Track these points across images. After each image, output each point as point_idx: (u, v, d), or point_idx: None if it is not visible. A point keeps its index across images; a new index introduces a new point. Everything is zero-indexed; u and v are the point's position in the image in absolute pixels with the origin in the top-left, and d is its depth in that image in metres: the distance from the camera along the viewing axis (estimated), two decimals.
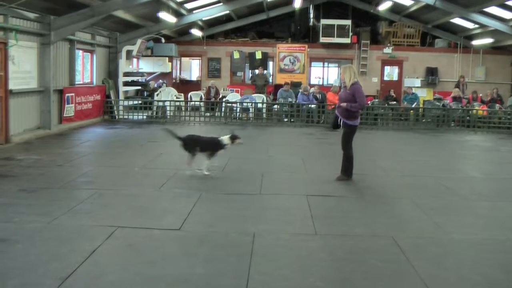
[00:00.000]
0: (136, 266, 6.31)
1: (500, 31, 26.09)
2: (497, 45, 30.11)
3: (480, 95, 26.82)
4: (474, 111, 24.34)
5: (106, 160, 14.00)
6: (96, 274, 6.01)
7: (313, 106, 23.84)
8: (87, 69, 22.97)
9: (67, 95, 19.69)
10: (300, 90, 25.00)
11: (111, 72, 24.36)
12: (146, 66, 28.52)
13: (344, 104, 11.41)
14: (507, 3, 22.57)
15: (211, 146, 12.07)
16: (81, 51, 22.01)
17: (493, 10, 24.61)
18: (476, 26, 28.45)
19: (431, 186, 11.49)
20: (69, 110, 19.95)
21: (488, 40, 29.07)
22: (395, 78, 32.94)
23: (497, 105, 25.57)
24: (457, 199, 10.37)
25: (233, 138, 12.14)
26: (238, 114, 24.60)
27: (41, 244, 7.00)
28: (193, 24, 29.08)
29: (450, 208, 9.63)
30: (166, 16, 23.20)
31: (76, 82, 21.16)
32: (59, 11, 18.05)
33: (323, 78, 33.07)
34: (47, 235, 7.36)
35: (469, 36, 30.87)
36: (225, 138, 12.10)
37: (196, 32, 30.54)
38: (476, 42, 30.41)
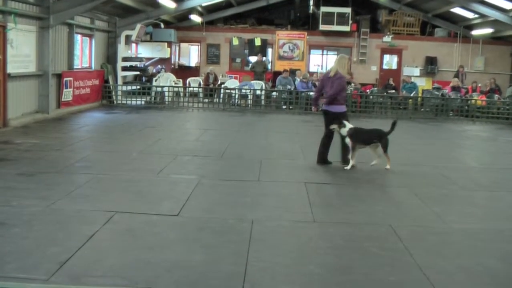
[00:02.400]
0: (134, 251, 6.30)
1: (500, 21, 26.05)
2: (497, 35, 30.08)
3: (479, 85, 26.78)
4: (473, 101, 24.33)
5: (104, 145, 13.99)
6: (94, 259, 6.00)
7: (312, 93, 23.81)
8: (85, 53, 22.90)
9: (65, 79, 19.63)
10: (299, 78, 24.98)
11: (109, 57, 24.31)
12: (145, 51, 28.42)
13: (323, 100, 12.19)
14: None
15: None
16: (80, 36, 21.93)
17: (493, 0, 24.55)
18: (476, 16, 28.38)
19: (430, 175, 11.50)
20: (68, 94, 19.89)
21: (488, 30, 29.03)
22: (394, 66, 32.88)
23: (496, 95, 25.56)
24: (455, 189, 10.37)
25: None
26: (236, 100, 24.56)
27: (39, 228, 6.99)
28: (192, 10, 28.95)
29: (448, 198, 9.64)
30: (165, 1, 23.13)
31: (75, 67, 21.11)
32: None
33: (322, 66, 32.97)
34: (45, 219, 7.35)
35: (469, 26, 30.81)
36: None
37: (195, 18, 30.42)
38: (476, 32, 30.38)
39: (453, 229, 7.74)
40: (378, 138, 11.80)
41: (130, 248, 6.42)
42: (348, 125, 11.74)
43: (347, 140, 11.71)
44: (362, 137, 11.82)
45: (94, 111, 21.03)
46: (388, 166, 11.68)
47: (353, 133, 11.71)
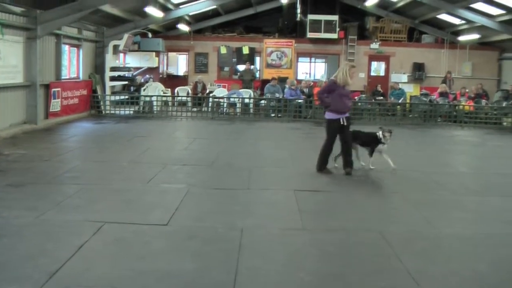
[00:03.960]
0: (124, 261, 6.29)
1: (487, 27, 26.22)
2: (484, 40, 30.26)
3: (467, 90, 26.90)
4: (461, 106, 24.43)
5: (93, 155, 13.96)
6: (84, 269, 5.99)
7: (300, 101, 23.86)
8: (73, 63, 22.85)
9: (53, 90, 19.58)
10: (287, 85, 25.04)
11: (97, 67, 24.24)
12: (133, 61, 28.40)
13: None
14: None
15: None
16: (67, 46, 21.89)
17: (479, 6, 24.71)
18: (463, 22, 28.55)
19: (420, 180, 11.54)
20: (56, 105, 19.85)
21: (474, 36, 29.18)
22: (382, 73, 32.99)
23: (483, 100, 25.68)
24: (445, 194, 10.40)
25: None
26: (225, 109, 24.57)
27: (28, 239, 6.97)
28: (180, 19, 29.00)
29: (438, 203, 9.66)
30: (153, 11, 23.13)
31: (63, 77, 21.05)
32: (46, 5, 17.94)
33: (310, 74, 33.03)
34: (34, 230, 7.33)
35: (456, 31, 30.99)
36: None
37: (183, 27, 30.43)
38: (462, 38, 30.53)
39: (443, 234, 7.77)
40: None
41: (119, 258, 6.41)
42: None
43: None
44: None
45: (82, 121, 20.97)
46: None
47: None
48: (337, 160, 12.28)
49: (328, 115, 11.84)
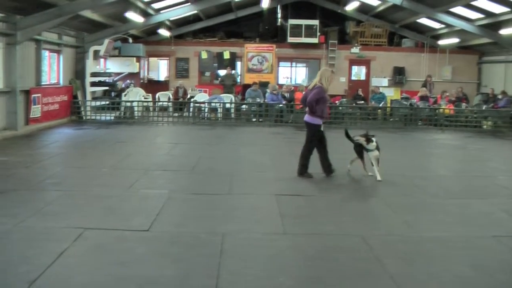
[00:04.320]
0: (105, 268, 6.28)
1: (466, 31, 26.37)
2: (463, 44, 30.43)
3: (447, 94, 27.07)
4: (441, 110, 24.58)
5: (74, 161, 13.92)
6: (65, 276, 5.97)
7: (281, 105, 23.90)
8: (54, 69, 22.76)
9: (33, 95, 19.48)
10: (268, 90, 25.08)
11: (78, 73, 24.15)
12: (113, 66, 28.32)
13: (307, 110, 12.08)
14: (473, 3, 22.82)
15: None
16: (47, 51, 21.80)
17: (459, 10, 24.86)
18: (443, 26, 28.71)
19: (401, 184, 11.60)
20: (36, 111, 19.75)
21: (454, 40, 29.34)
22: (363, 77, 33.07)
23: (463, 104, 25.85)
24: (426, 197, 10.46)
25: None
26: (206, 114, 24.54)
27: (9, 246, 6.94)
28: (161, 24, 28.94)
29: (419, 206, 9.72)
30: (133, 16, 23.09)
31: (43, 83, 20.96)
32: (25, 11, 17.85)
33: (291, 78, 33.08)
34: (15, 237, 7.30)
35: (436, 35, 31.14)
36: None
37: (164, 32, 30.37)
38: (442, 42, 30.68)
39: (424, 237, 7.81)
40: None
41: (101, 265, 6.40)
42: (374, 138, 11.91)
43: (376, 153, 11.87)
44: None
45: (63, 127, 20.87)
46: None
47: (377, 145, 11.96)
48: (352, 163, 12.34)
49: (315, 121, 11.87)
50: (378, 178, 11.64)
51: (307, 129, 12.09)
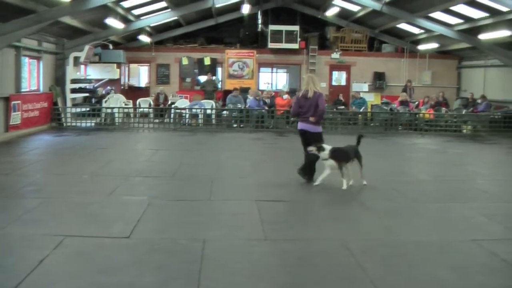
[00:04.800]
0: (85, 275, 6.26)
1: (445, 36, 26.51)
2: (443, 49, 30.64)
3: (427, 99, 27.25)
4: (421, 114, 24.72)
5: (54, 168, 13.86)
6: (44, 284, 5.95)
7: (262, 111, 23.93)
8: (33, 76, 22.63)
9: (13, 102, 19.36)
10: (249, 96, 25.13)
11: (58, 79, 24.04)
12: (94, 72, 28.19)
13: (312, 119, 11.81)
14: (452, 8, 22.99)
15: None
16: (27, 58, 21.68)
17: (438, 15, 25.01)
18: (422, 31, 28.88)
19: (381, 189, 11.65)
20: (16, 118, 19.63)
21: (433, 45, 29.53)
22: (343, 83, 33.18)
23: (443, 108, 26.02)
24: (406, 202, 10.52)
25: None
26: (187, 120, 24.52)
27: None
28: (141, 30, 28.88)
29: (399, 211, 9.77)
30: (113, 22, 23.03)
31: (23, 90, 20.81)
32: (4, 17, 17.74)
33: (272, 84, 33.12)
34: None
35: (416, 41, 31.31)
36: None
37: (144, 38, 30.31)
38: (422, 47, 30.86)
39: (404, 241, 7.85)
40: (355, 154, 11.89)
41: (81, 272, 6.37)
42: (327, 147, 11.67)
43: (331, 162, 11.58)
44: (344, 156, 11.77)
45: (43, 134, 20.75)
46: (365, 182, 11.85)
47: (336, 154, 11.68)
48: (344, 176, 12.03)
49: (319, 128, 12.04)
50: (344, 187, 11.50)
51: (309, 136, 11.98)
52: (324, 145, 11.67)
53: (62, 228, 8.05)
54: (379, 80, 32.22)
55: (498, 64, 27.08)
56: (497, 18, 21.71)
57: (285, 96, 25.27)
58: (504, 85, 26.93)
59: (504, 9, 20.47)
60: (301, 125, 12.14)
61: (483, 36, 23.40)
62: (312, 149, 11.68)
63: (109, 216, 8.92)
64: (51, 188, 11.13)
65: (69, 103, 24.02)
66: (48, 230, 7.92)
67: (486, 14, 22.30)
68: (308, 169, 12.03)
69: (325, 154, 11.57)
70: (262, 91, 27.40)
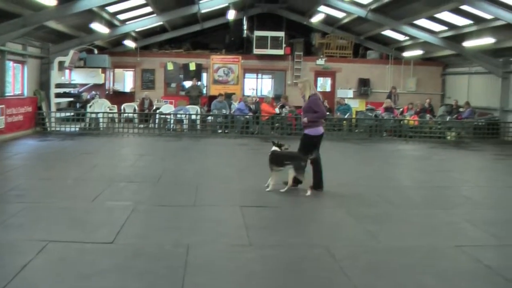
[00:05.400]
0: (68, 281, 6.23)
1: (430, 43, 26.74)
2: (427, 56, 30.83)
3: (411, 105, 27.40)
4: (406, 121, 24.83)
5: (38, 173, 13.78)
6: None
7: (247, 116, 23.94)
8: (18, 80, 22.56)
9: None
10: (234, 102, 25.20)
11: (43, 84, 23.96)
12: (78, 77, 28.05)
13: (305, 120, 11.78)
14: (436, 15, 23.15)
15: None
16: (11, 62, 21.60)
17: (422, 22, 25.18)
18: (407, 38, 29.06)
19: (365, 195, 11.66)
20: (0, 122, 19.54)
21: (418, 52, 29.70)
22: (328, 89, 33.27)
23: (428, 115, 26.15)
24: (390, 208, 10.55)
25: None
26: (172, 125, 24.49)
27: None
28: (126, 35, 28.83)
29: (383, 217, 9.79)
30: (99, 27, 22.99)
31: (7, 94, 20.75)
32: None
33: (257, 90, 33.16)
34: None
35: (400, 47, 31.49)
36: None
37: (129, 43, 30.24)
38: (407, 54, 31.03)
39: (388, 247, 7.88)
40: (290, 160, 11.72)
41: (64, 278, 6.34)
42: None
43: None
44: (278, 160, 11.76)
45: (27, 138, 20.65)
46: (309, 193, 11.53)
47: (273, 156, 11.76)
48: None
49: (312, 131, 11.96)
50: (308, 193, 11.45)
51: (313, 140, 11.91)
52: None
53: (46, 233, 8.00)
54: (364, 87, 32.35)
55: (482, 71, 27.31)
56: (481, 26, 21.89)
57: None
58: (488, 92, 27.13)
59: (488, 16, 20.64)
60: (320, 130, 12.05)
61: (467, 43, 23.58)
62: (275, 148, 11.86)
63: (93, 222, 8.89)
64: (35, 193, 11.07)
65: (53, 108, 23.93)
66: (31, 235, 7.88)
67: (471, 22, 22.48)
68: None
69: None
70: (248, 96, 27.43)
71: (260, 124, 23.76)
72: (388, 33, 29.54)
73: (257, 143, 21.06)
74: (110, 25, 24.79)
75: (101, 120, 24.02)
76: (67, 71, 27.08)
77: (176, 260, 6.99)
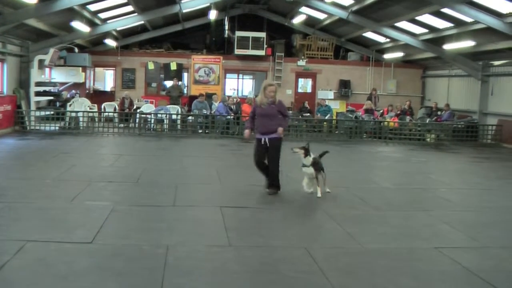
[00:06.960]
0: (47, 281, 6.20)
1: (410, 45, 26.91)
2: (408, 58, 31.01)
3: (391, 107, 27.56)
4: (386, 123, 24.93)
5: (16, 172, 13.67)
6: None
7: (228, 117, 23.94)
8: None
9: None
10: (215, 102, 25.18)
11: (22, 82, 23.81)
12: (59, 76, 27.94)
13: (281, 129, 11.51)
14: (417, 18, 23.27)
15: None
16: None
17: (403, 25, 25.31)
18: (388, 40, 29.20)
19: (344, 197, 11.69)
20: None
21: (399, 54, 29.87)
22: (309, 90, 33.34)
23: (408, 117, 26.28)
24: (369, 209, 10.58)
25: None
26: (152, 125, 24.42)
27: None
28: (107, 34, 28.72)
29: (362, 218, 9.82)
30: (79, 26, 22.89)
31: None
32: None
33: (238, 90, 33.17)
34: None
35: (381, 49, 31.64)
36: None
37: (110, 42, 30.11)
38: (387, 56, 31.18)
39: (367, 249, 7.90)
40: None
41: (42, 278, 6.31)
42: (312, 155, 11.58)
43: (311, 170, 11.45)
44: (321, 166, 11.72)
45: (6, 137, 20.50)
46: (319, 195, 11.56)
47: (317, 163, 11.59)
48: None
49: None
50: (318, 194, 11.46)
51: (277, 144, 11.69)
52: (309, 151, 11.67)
53: (24, 233, 7.95)
54: (344, 88, 32.44)
55: (461, 74, 27.49)
56: (461, 29, 22.05)
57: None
58: (467, 94, 27.31)
59: (468, 19, 20.78)
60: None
61: (447, 46, 23.76)
62: (298, 150, 11.60)
63: (71, 221, 8.85)
64: (13, 193, 10.97)
65: (33, 106, 23.79)
66: (9, 235, 7.83)
67: (451, 25, 22.64)
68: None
69: (309, 160, 11.49)
70: (228, 97, 27.42)
71: (241, 124, 23.74)
72: (369, 35, 29.68)
73: (238, 144, 21.05)
74: (91, 23, 24.69)
75: (81, 119, 23.90)
76: (47, 69, 26.99)
77: (156, 261, 6.97)
